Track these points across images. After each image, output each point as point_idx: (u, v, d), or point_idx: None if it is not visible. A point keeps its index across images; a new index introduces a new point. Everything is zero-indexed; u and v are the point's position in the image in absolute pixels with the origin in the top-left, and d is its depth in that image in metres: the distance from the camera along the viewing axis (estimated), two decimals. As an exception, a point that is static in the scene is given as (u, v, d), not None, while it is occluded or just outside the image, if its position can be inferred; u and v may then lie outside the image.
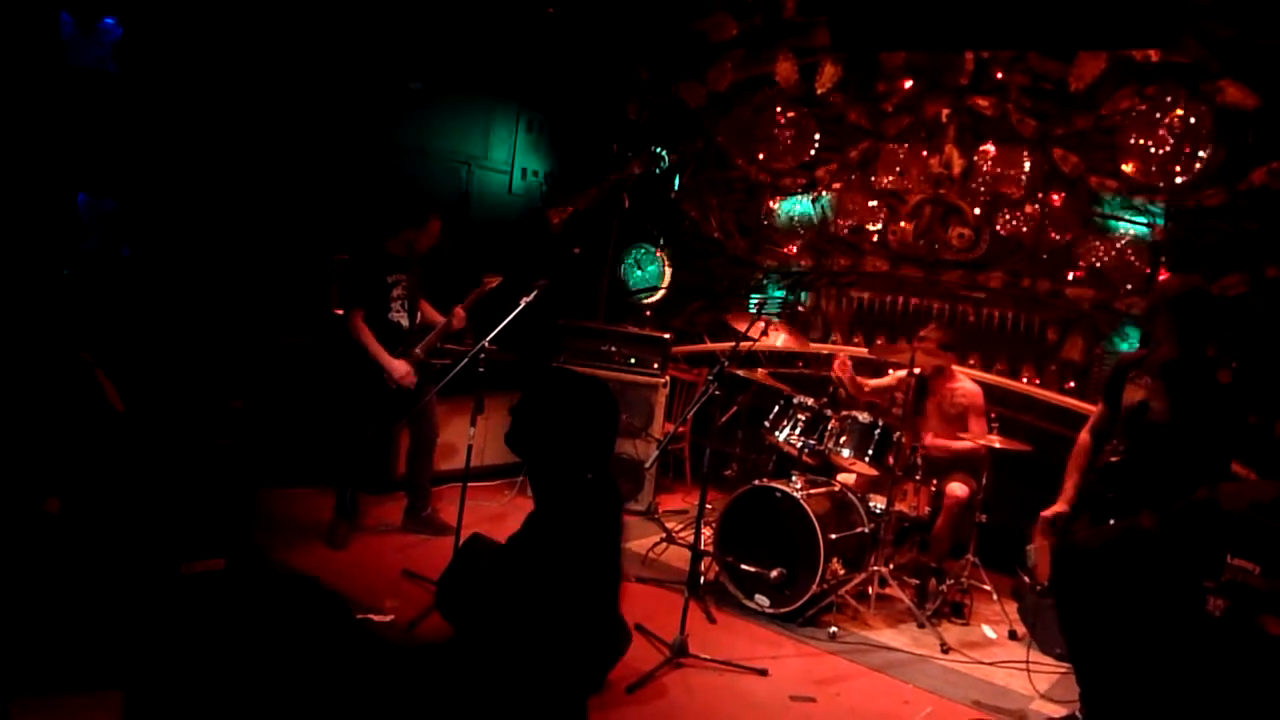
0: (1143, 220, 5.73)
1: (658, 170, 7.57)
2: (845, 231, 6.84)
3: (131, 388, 4.42)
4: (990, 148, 6.20)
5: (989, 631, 4.87)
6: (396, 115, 6.40)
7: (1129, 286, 5.74)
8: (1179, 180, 5.53)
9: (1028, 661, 4.20)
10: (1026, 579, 4.74)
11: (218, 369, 5.40)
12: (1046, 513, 3.77)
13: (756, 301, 7.01)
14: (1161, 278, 5.59)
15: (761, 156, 7.14)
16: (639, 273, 7.71)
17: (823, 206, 6.97)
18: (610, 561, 2.40)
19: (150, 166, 5.28)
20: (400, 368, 4.94)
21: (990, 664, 4.43)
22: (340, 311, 5.14)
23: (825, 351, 6.69)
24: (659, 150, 7.52)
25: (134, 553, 3.83)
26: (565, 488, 2.38)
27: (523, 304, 4.64)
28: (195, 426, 4.88)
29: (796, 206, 7.09)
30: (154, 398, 4.86)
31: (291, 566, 4.52)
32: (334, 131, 5.96)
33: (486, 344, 4.51)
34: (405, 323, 5.09)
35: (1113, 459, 3.68)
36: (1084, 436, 3.97)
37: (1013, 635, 4.80)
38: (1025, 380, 6.06)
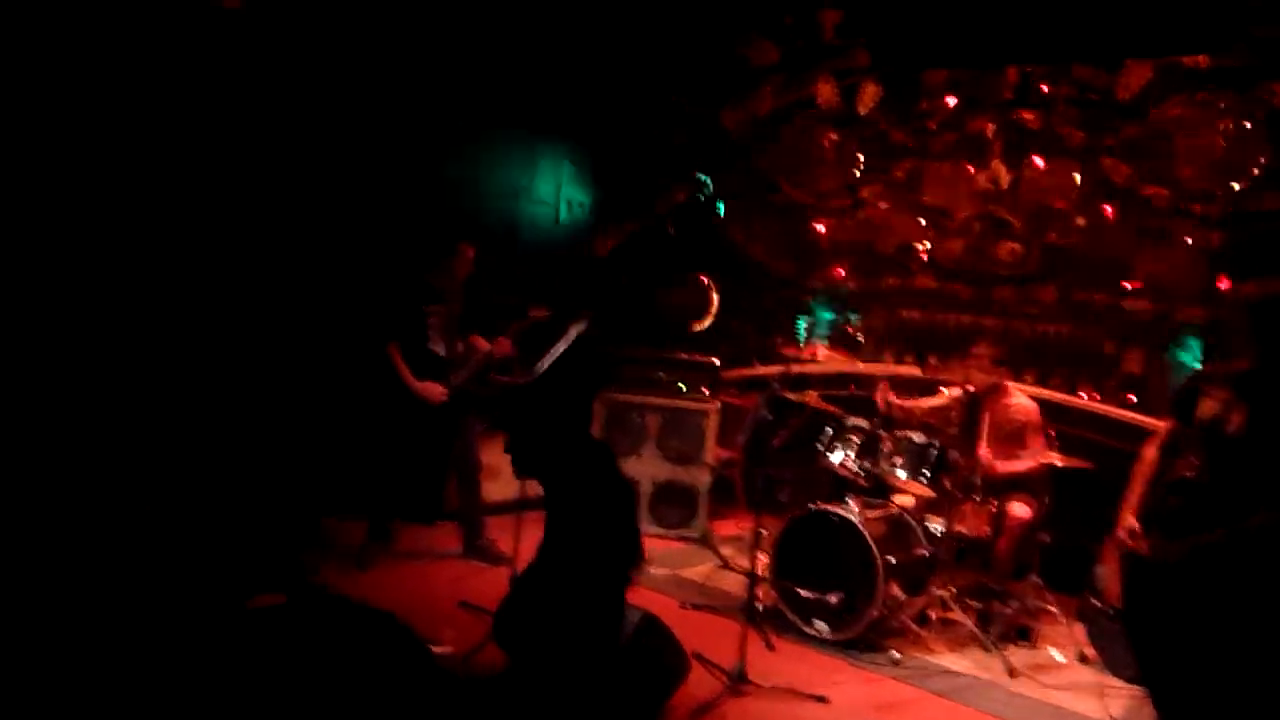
0: (1200, 229, 5.61)
1: (702, 197, 7.60)
2: (893, 250, 6.79)
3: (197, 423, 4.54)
4: (1038, 161, 6.13)
5: (1057, 655, 4.74)
6: (444, 151, 6.51)
7: (1188, 297, 5.61)
8: (1235, 186, 5.42)
9: (1103, 686, 4.09)
10: (1096, 603, 4.60)
11: (279, 402, 5.51)
12: (1120, 531, 3.66)
13: (805, 324, 6.99)
14: (1222, 286, 5.46)
15: (805, 179, 7.14)
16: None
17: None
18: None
19: (206, 202, 5.43)
20: (429, 389, 5.07)
21: (1059, 688, 4.31)
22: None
23: (877, 373, 6.62)
24: (702, 177, 7.55)
25: (199, 588, 3.90)
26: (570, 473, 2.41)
27: (572, 334, 4.68)
28: (257, 462, 4.99)
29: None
30: (220, 433, 4.98)
31: (350, 597, 4.56)
32: (385, 169, 6.08)
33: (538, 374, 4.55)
34: (442, 351, 5.23)
35: (1187, 474, 3.56)
36: (1150, 452, 3.83)
37: (1082, 658, 4.67)
38: (1084, 395, 5.94)
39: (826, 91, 6.91)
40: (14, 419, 4.51)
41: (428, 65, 6.23)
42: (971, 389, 5.00)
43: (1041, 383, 6.08)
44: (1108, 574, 4.48)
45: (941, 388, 5.63)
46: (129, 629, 3.55)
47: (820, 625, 4.59)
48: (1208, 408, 3.49)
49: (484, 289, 5.63)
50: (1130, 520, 3.65)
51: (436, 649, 4.03)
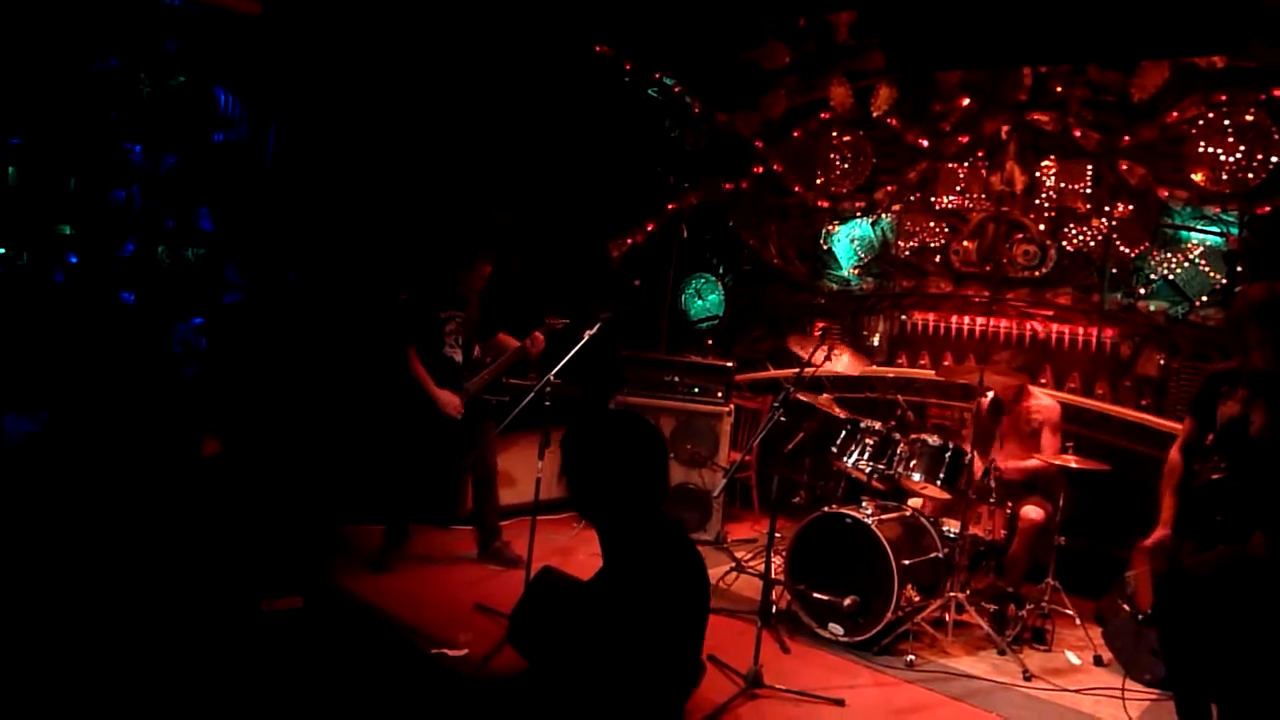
0: (1216, 230, 5.58)
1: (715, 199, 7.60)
2: (907, 253, 6.78)
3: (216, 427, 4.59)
4: (1053, 162, 6.11)
5: (1073, 658, 4.72)
6: (456, 156, 6.53)
7: (1204, 299, 5.59)
8: (1252, 187, 5.39)
9: (1123, 690, 4.06)
10: (1126, 607, 4.56)
11: (298, 408, 5.56)
12: (1147, 542, 3.64)
13: (819, 326, 6.99)
14: (1238, 288, 5.43)
15: (819, 181, 7.13)
16: (700, 302, 7.73)
17: (883, 229, 6.92)
18: (694, 601, 2.36)
19: (226, 208, 5.51)
20: (446, 399, 5.08)
21: (1076, 691, 4.29)
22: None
23: (890, 375, 6.62)
24: (716, 179, 7.55)
25: (215, 590, 3.94)
26: (631, 529, 2.33)
27: (586, 337, 4.68)
28: (275, 465, 5.02)
29: (856, 230, 7.06)
30: (239, 438, 5.02)
31: (367, 601, 4.59)
32: (398, 178, 6.11)
33: (551, 378, 4.56)
34: (459, 358, 5.24)
35: (1214, 477, 3.53)
36: (1174, 455, 3.79)
37: (1098, 661, 4.66)
38: (1100, 397, 5.92)
39: (840, 93, 6.90)
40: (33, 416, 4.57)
41: (441, 69, 6.26)
42: (991, 394, 4.99)
43: (1058, 384, 6.06)
44: (1138, 579, 4.44)
45: (980, 398, 5.59)
46: (145, 631, 3.58)
47: (835, 628, 4.59)
48: (1228, 409, 3.47)
49: (507, 294, 5.63)
50: (1160, 530, 3.62)
51: (453, 651, 4.06)
